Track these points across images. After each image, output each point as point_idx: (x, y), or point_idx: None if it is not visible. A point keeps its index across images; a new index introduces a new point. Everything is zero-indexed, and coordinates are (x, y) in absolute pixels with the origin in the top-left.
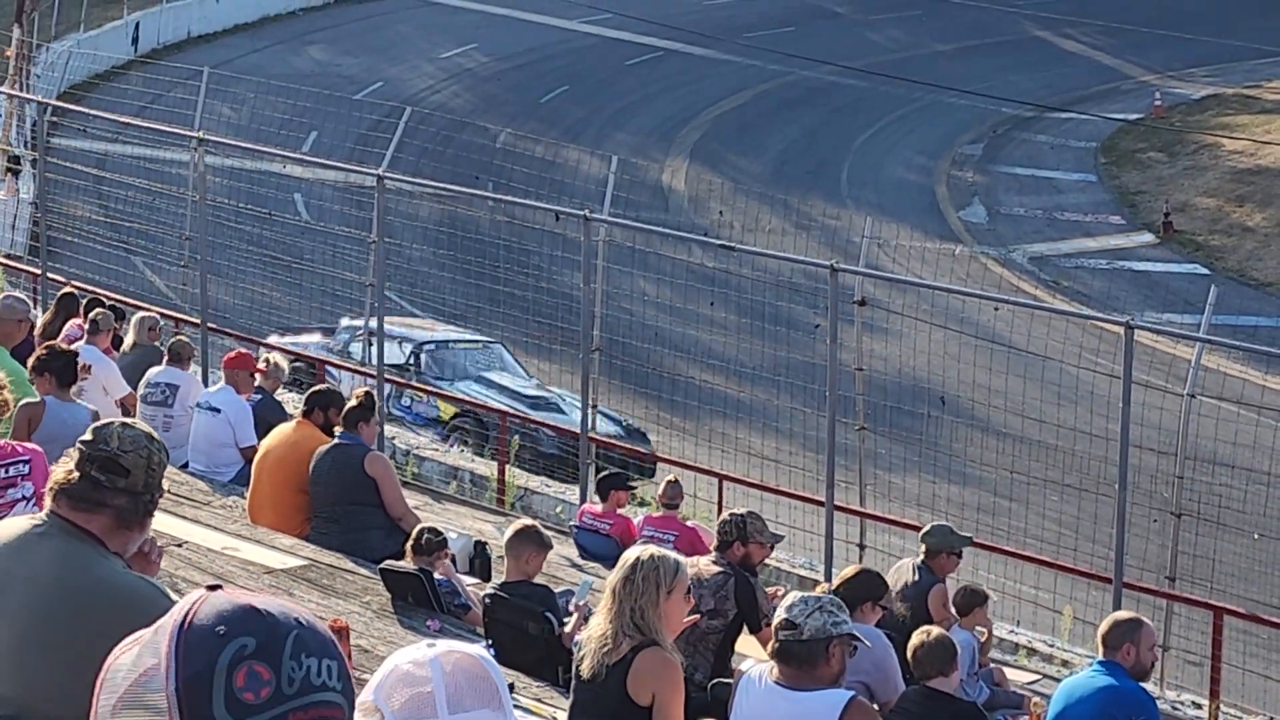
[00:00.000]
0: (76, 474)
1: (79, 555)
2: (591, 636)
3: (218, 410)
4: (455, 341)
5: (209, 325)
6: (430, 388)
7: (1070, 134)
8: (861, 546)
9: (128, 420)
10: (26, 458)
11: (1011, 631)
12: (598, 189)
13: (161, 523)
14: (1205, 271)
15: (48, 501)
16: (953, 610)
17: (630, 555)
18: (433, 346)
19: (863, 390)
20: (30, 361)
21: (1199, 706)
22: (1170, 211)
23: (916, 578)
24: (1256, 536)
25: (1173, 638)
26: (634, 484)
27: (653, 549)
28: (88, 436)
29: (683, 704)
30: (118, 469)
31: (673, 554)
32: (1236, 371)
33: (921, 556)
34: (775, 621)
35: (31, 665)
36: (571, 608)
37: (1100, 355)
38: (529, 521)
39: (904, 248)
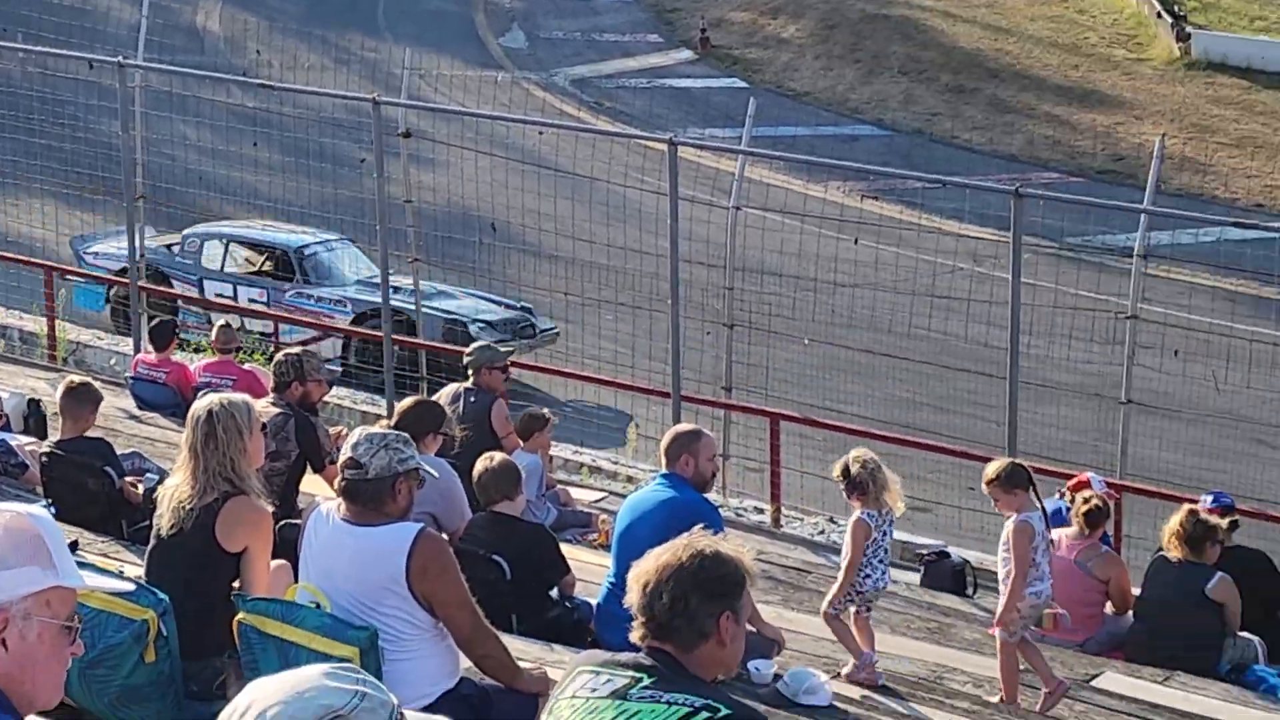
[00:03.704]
0: None
1: None
2: (174, 495)
3: None
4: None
5: None
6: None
7: None
8: (423, 379)
9: None
10: None
11: (576, 451)
12: (130, 35)
13: None
14: (744, 85)
15: None
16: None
17: (200, 411)
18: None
19: (414, 222)
20: None
21: (761, 511)
22: (706, 27)
23: (473, 400)
24: (807, 342)
25: (732, 446)
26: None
27: (218, 398)
28: None
29: (271, 552)
30: None
31: (236, 395)
32: (779, 181)
33: (470, 379)
34: (340, 460)
35: None
36: None
37: (646, 173)
38: (80, 378)
39: (445, 77)
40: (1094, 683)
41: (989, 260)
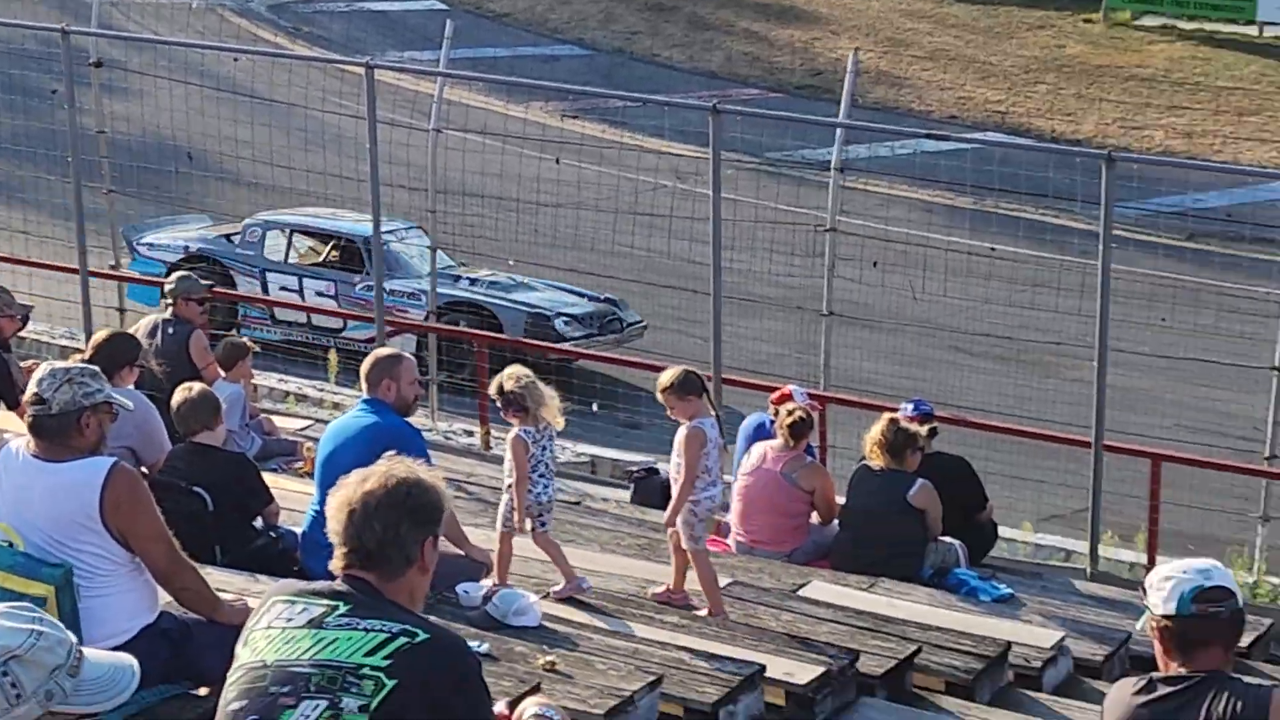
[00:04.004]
0: None
1: None
2: None
3: None
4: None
5: None
6: None
7: None
8: (121, 310)
9: None
10: None
11: (281, 380)
12: None
13: None
14: (442, 7)
15: None
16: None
17: None
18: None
19: (107, 153)
20: None
21: (471, 434)
22: None
23: (171, 331)
24: (511, 263)
25: (442, 369)
26: None
27: None
28: None
29: None
30: None
31: None
32: (479, 103)
33: (169, 310)
34: (26, 396)
35: None
36: None
37: (344, 98)
38: None
39: (139, 5)
40: (800, 592)
41: (691, 177)
